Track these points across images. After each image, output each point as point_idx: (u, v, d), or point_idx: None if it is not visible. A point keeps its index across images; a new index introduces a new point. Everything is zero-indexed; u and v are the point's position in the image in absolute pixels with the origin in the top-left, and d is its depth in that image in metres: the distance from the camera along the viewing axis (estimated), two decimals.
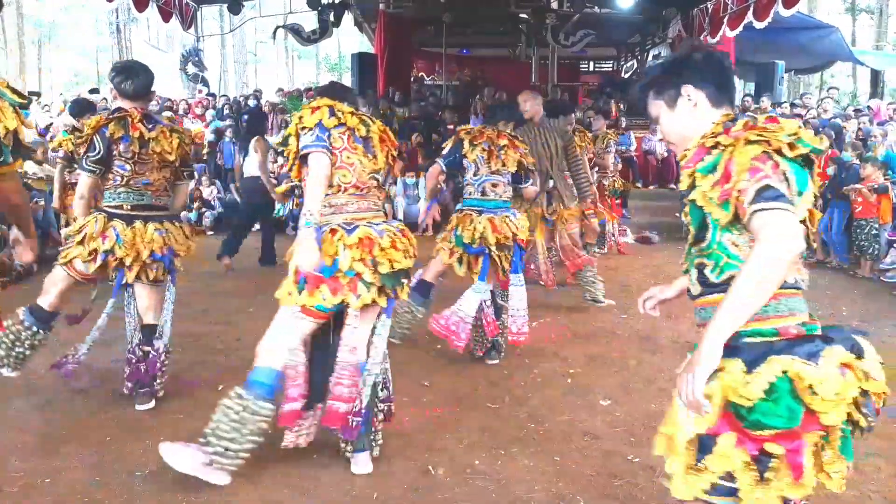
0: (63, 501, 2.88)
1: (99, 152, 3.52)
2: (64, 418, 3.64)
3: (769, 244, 1.56)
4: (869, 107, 13.02)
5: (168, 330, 3.82)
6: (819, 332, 1.72)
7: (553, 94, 15.55)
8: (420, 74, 19.64)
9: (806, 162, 1.73)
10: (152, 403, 3.76)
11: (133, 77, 3.61)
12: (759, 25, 10.60)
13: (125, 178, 3.60)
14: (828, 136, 8.78)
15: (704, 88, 1.88)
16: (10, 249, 6.95)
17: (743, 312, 1.63)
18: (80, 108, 6.36)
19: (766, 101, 12.45)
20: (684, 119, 1.89)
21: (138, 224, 3.59)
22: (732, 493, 1.70)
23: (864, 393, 1.65)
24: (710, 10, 12.90)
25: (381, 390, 3.18)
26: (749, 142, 1.65)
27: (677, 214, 10.48)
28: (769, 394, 1.61)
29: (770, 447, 1.65)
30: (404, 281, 3.04)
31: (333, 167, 2.92)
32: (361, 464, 3.09)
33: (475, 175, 4.39)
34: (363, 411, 2.99)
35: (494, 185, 4.39)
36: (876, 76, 17.31)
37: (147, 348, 3.73)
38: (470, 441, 3.46)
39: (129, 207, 3.63)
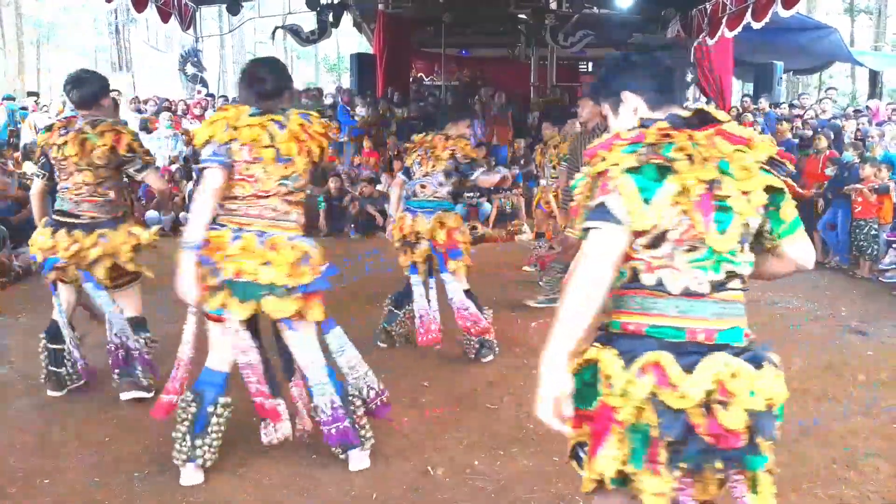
0: (63, 501, 2.88)
1: (41, 157, 3.79)
2: (64, 418, 3.63)
3: (580, 264, 1.70)
4: (868, 107, 13.03)
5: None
6: (677, 339, 1.69)
7: (552, 95, 15.57)
8: (419, 75, 19.63)
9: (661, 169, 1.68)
10: (136, 394, 3.77)
11: (77, 86, 3.70)
12: (756, 26, 10.60)
13: (58, 185, 3.75)
14: (826, 136, 8.81)
15: (643, 93, 1.83)
16: (9, 250, 6.97)
17: (567, 327, 1.67)
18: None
19: (763, 102, 12.46)
20: (628, 125, 1.82)
21: (76, 232, 3.61)
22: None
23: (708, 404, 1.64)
24: (708, 11, 12.90)
25: (367, 392, 3.16)
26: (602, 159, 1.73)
27: None
28: (587, 375, 1.74)
29: (585, 427, 1.75)
30: (265, 295, 2.79)
31: (232, 180, 2.83)
32: (356, 461, 3.10)
33: (411, 179, 4.69)
34: (334, 417, 3.00)
35: (423, 187, 4.62)
36: (874, 76, 17.32)
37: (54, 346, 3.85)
38: (469, 441, 3.46)
39: (61, 213, 3.70)
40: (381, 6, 15.64)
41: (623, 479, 1.70)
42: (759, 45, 14.19)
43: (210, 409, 2.94)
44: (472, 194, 11.03)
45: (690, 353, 1.68)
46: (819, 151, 8.67)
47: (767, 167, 1.72)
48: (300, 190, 2.91)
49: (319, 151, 2.95)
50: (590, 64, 22.37)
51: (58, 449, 3.32)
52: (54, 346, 3.83)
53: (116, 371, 3.80)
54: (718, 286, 1.72)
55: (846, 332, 5.41)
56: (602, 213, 1.68)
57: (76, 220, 3.65)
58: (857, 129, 10.21)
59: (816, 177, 8.55)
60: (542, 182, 6.93)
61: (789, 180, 1.76)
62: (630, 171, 1.68)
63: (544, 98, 15.46)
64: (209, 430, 2.94)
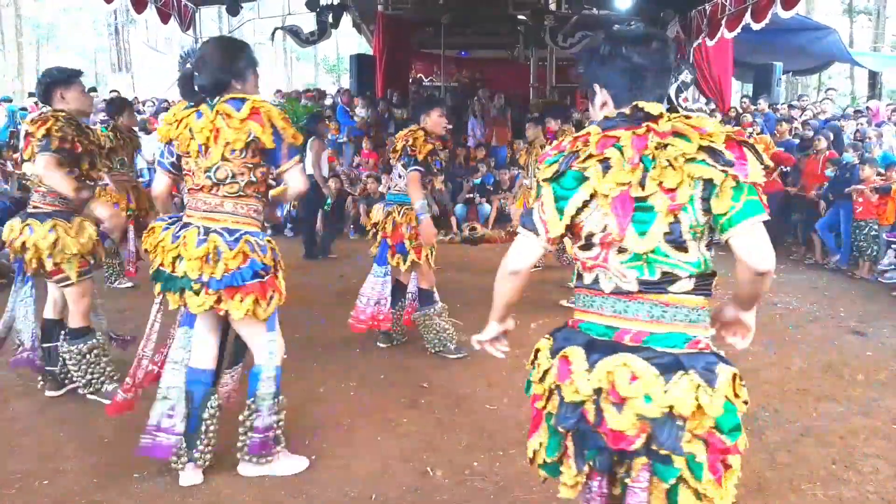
0: (62, 503, 2.88)
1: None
2: (62, 420, 3.63)
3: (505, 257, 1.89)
4: (868, 108, 13.03)
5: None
6: (604, 337, 1.74)
7: (551, 96, 15.57)
8: (419, 76, 19.64)
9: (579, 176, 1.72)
10: (57, 392, 3.89)
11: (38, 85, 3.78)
12: (756, 27, 10.60)
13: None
14: (826, 137, 8.81)
15: (610, 88, 1.78)
16: (5, 251, 6.95)
17: (495, 305, 1.97)
18: (117, 106, 6.42)
19: (763, 103, 12.46)
20: (598, 118, 1.80)
21: (29, 220, 3.64)
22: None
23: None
24: (707, 12, 12.90)
25: (250, 416, 2.98)
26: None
27: None
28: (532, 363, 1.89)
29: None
30: (184, 288, 2.74)
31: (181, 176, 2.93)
32: (184, 477, 2.97)
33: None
34: (177, 425, 2.93)
35: (390, 180, 4.85)
36: (874, 77, 17.34)
37: (46, 344, 3.88)
38: (468, 442, 3.45)
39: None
40: (380, 7, 15.64)
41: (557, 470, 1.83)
42: (758, 46, 14.20)
43: (199, 408, 2.94)
44: (472, 194, 11.05)
45: (604, 351, 1.70)
46: (819, 152, 8.67)
47: (704, 158, 1.60)
48: (227, 182, 2.72)
49: (226, 147, 2.68)
50: None
51: (56, 451, 3.31)
52: (47, 345, 3.87)
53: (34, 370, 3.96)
54: (652, 287, 1.69)
55: (846, 333, 5.41)
56: (526, 219, 1.83)
57: (26, 210, 3.73)
58: (857, 130, 10.22)
59: (816, 178, 8.55)
60: (526, 182, 6.97)
61: (732, 169, 1.59)
62: (551, 179, 1.75)
63: (543, 99, 15.47)
64: (202, 429, 2.94)
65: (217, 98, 2.72)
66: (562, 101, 14.92)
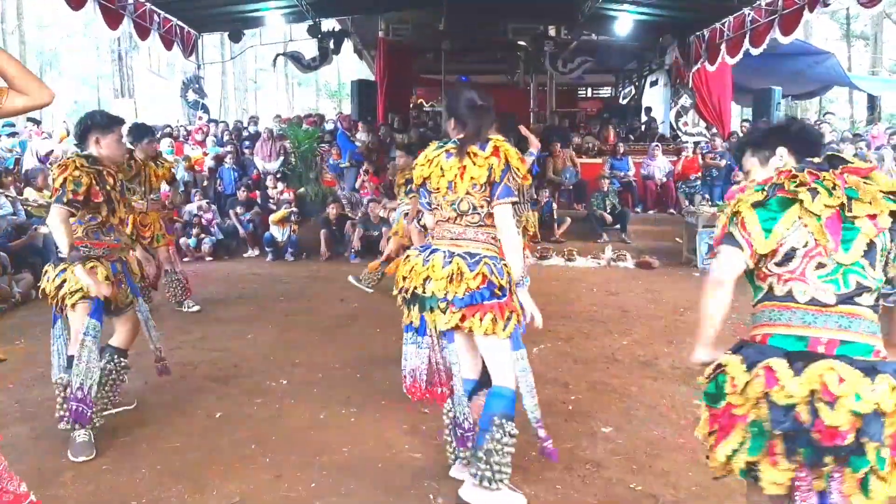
0: None
1: None
2: (60, 447, 3.59)
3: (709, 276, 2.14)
4: (868, 132, 13.08)
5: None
6: (797, 349, 1.97)
7: (552, 121, 15.67)
8: (420, 101, 19.78)
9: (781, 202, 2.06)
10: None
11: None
12: (755, 52, 10.70)
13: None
14: None
15: (794, 152, 2.28)
16: (10, 276, 6.96)
17: (706, 322, 2.15)
18: (139, 132, 6.41)
19: None
20: (768, 174, 2.23)
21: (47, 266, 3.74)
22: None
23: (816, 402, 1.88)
24: (706, 38, 13.02)
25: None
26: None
27: (678, 239, 10.51)
28: (712, 379, 2.10)
29: (715, 425, 2.09)
30: (433, 305, 3.00)
31: None
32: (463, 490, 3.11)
33: None
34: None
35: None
36: (872, 101, 17.44)
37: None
38: None
39: None
40: (381, 33, 15.80)
41: (748, 471, 2.01)
42: (757, 71, 14.31)
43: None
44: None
45: (803, 359, 1.92)
46: None
47: (891, 196, 1.99)
48: (469, 213, 2.97)
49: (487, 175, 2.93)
50: (589, 89, 22.60)
51: (54, 477, 3.28)
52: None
53: None
54: (846, 299, 1.98)
55: None
56: (728, 240, 2.10)
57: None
58: (856, 154, 10.25)
59: None
60: (404, 208, 7.01)
61: None
62: (755, 205, 2.07)
63: (544, 123, 15.56)
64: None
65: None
66: (562, 125, 14.99)
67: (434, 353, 3.15)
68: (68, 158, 3.66)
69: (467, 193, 2.91)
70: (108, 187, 3.69)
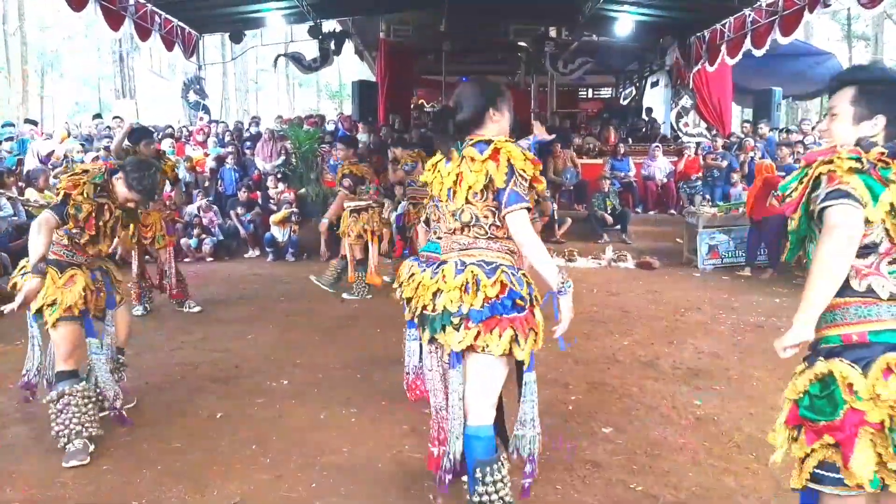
0: None
1: None
2: (61, 447, 3.59)
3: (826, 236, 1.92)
4: None
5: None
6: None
7: (552, 121, 15.67)
8: (420, 102, 19.79)
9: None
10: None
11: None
12: (758, 53, 10.70)
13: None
14: None
15: (892, 125, 2.05)
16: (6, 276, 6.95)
17: (820, 288, 1.93)
18: (137, 134, 6.45)
19: (764, 127, 12.53)
20: (845, 137, 2.07)
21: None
22: (837, 482, 1.93)
23: None
24: (706, 39, 13.02)
25: None
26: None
27: (678, 240, 10.50)
28: (815, 390, 1.95)
29: (826, 438, 1.91)
30: (444, 324, 2.59)
31: None
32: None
33: None
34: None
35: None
36: None
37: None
38: None
39: None
40: (382, 34, 15.81)
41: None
42: (757, 71, 14.32)
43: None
44: None
45: None
46: None
47: None
48: (472, 225, 2.61)
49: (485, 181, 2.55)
50: (589, 90, 22.60)
51: (54, 477, 3.28)
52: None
53: None
54: None
55: None
56: (840, 194, 1.89)
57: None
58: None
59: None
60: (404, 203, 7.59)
61: None
62: (858, 172, 1.91)
63: (545, 124, 15.56)
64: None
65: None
66: (563, 126, 14.99)
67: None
68: (82, 177, 3.64)
69: (467, 202, 2.55)
70: (102, 222, 3.70)
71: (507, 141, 2.56)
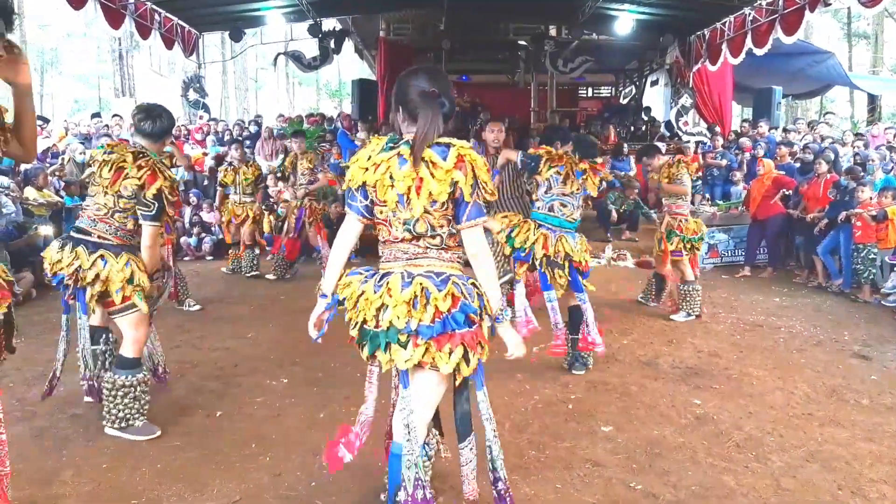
0: None
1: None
2: (60, 446, 3.60)
3: None
4: (868, 132, 13.06)
5: None
6: None
7: (552, 120, 15.67)
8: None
9: None
10: (111, 431, 3.71)
11: (151, 119, 3.78)
12: (759, 52, 10.68)
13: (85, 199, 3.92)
14: (827, 160, 8.82)
15: None
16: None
17: None
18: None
19: (763, 126, 12.51)
20: None
21: (79, 248, 3.65)
22: None
23: None
24: (707, 37, 13.00)
25: None
26: None
27: None
28: None
29: None
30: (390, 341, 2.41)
31: None
32: None
33: (546, 193, 4.80)
34: None
35: (564, 206, 4.76)
36: (873, 100, 17.41)
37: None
38: None
39: (77, 230, 3.76)
40: (382, 33, 15.80)
41: None
42: (757, 70, 14.29)
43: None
44: None
45: None
46: (820, 175, 8.69)
47: None
48: (427, 235, 2.42)
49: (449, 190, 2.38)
50: (589, 89, 22.60)
51: (54, 477, 3.28)
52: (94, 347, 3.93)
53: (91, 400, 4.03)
54: None
55: (850, 357, 5.37)
56: None
57: (86, 238, 3.63)
58: (856, 154, 10.24)
59: (818, 201, 8.55)
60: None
61: None
62: None
63: (545, 122, 15.57)
64: None
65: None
66: (562, 124, 14.99)
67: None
68: (147, 158, 3.63)
69: (425, 212, 2.34)
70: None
71: (466, 146, 2.36)
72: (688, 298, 6.53)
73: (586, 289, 4.73)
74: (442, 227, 2.38)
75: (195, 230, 10.42)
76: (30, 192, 8.52)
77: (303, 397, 4.37)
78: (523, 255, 4.71)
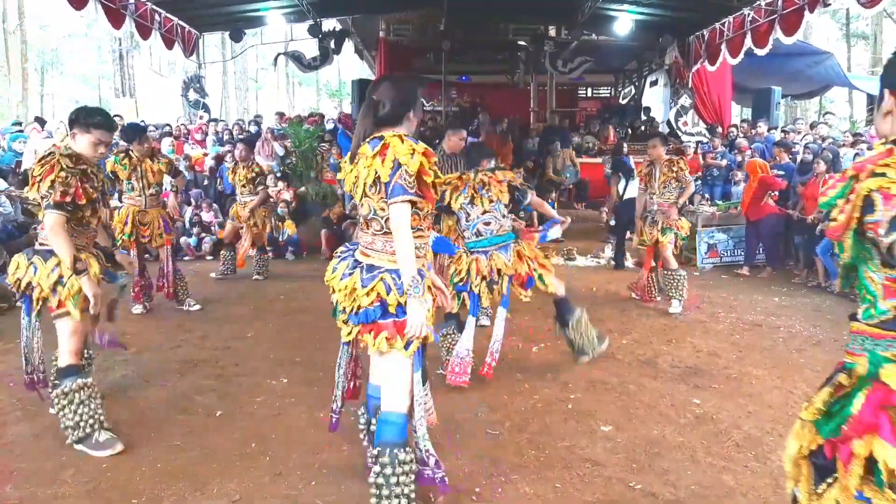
0: None
1: None
2: (61, 445, 3.60)
3: None
4: (867, 132, 13.07)
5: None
6: None
7: (551, 120, 15.68)
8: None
9: None
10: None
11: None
12: (759, 52, 10.69)
13: None
14: (825, 160, 8.83)
15: None
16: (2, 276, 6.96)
17: None
18: (131, 132, 6.53)
19: (762, 127, 12.52)
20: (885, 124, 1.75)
21: (34, 258, 3.67)
22: None
23: None
24: (706, 38, 13.02)
25: None
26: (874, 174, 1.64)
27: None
28: None
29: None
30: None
31: None
32: None
33: (467, 220, 4.68)
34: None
35: (487, 224, 4.63)
36: (872, 101, 17.43)
37: None
38: (470, 468, 3.42)
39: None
40: (382, 33, 15.81)
41: None
42: (756, 70, 14.31)
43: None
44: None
45: None
46: (818, 175, 8.69)
47: None
48: (370, 217, 2.75)
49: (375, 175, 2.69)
50: (588, 89, 22.63)
51: (54, 476, 3.28)
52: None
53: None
54: None
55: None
56: None
57: (35, 247, 3.70)
58: (856, 154, 10.24)
59: (817, 200, 8.56)
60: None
61: None
62: None
63: (544, 123, 15.58)
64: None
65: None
66: (562, 124, 15.00)
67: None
68: (51, 157, 3.56)
69: (364, 195, 2.68)
70: (92, 186, 3.65)
71: (395, 136, 2.63)
72: (676, 286, 6.72)
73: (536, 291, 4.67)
74: (382, 210, 2.65)
75: (195, 230, 10.43)
76: (30, 192, 8.52)
77: (303, 397, 4.37)
78: (461, 285, 4.60)
